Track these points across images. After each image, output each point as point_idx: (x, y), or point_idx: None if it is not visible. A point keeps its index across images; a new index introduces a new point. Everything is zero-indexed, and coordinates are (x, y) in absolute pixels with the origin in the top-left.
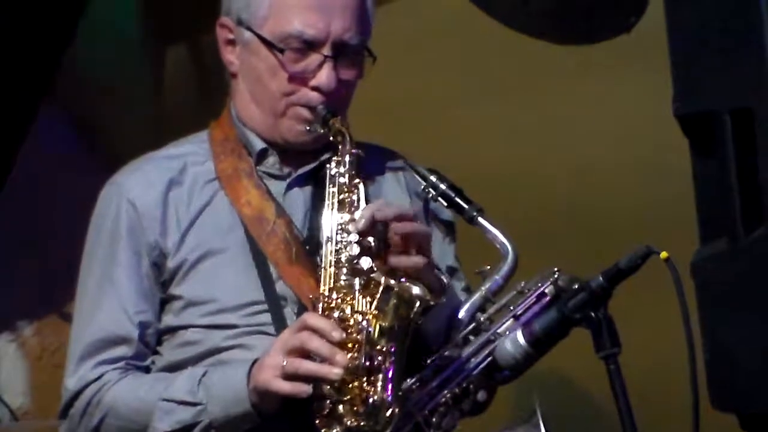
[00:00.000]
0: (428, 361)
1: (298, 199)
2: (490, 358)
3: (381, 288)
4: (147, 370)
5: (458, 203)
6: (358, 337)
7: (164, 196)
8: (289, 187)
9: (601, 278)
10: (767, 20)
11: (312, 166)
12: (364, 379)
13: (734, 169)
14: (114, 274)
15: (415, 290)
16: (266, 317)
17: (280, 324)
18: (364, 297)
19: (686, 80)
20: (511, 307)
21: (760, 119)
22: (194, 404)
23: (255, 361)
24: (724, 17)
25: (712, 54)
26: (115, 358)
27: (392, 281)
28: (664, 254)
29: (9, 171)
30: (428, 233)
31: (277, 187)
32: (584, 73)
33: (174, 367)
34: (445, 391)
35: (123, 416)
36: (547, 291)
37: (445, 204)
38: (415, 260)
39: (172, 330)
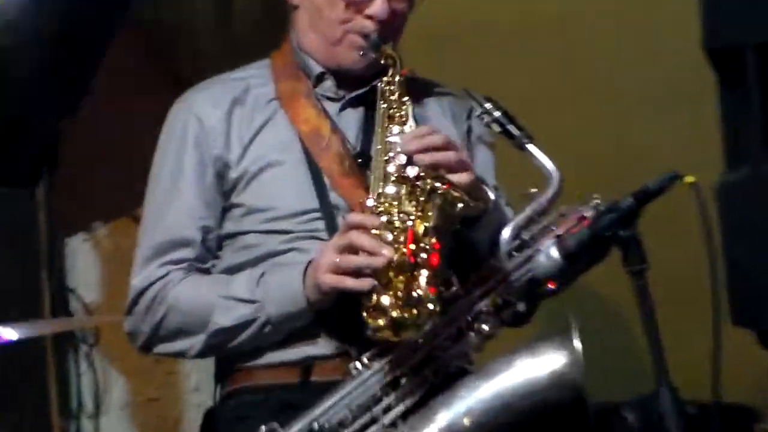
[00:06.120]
0: (473, 273)
1: (351, 119)
2: (530, 273)
3: (427, 190)
4: (208, 272)
5: (510, 130)
6: (403, 237)
7: (228, 114)
8: (343, 108)
9: (630, 198)
10: None
11: (365, 89)
12: (409, 274)
13: (758, 101)
14: (180, 183)
15: (457, 193)
16: (320, 224)
17: (332, 230)
18: (410, 202)
19: (714, 17)
20: (553, 228)
21: None
22: (252, 302)
23: (309, 263)
24: None
25: None
26: (179, 259)
27: (437, 184)
28: (690, 178)
29: (93, 77)
30: (468, 162)
31: (332, 107)
32: None
33: (233, 269)
34: (487, 300)
35: (184, 312)
36: (587, 215)
37: (499, 129)
38: (460, 177)
39: (233, 235)
